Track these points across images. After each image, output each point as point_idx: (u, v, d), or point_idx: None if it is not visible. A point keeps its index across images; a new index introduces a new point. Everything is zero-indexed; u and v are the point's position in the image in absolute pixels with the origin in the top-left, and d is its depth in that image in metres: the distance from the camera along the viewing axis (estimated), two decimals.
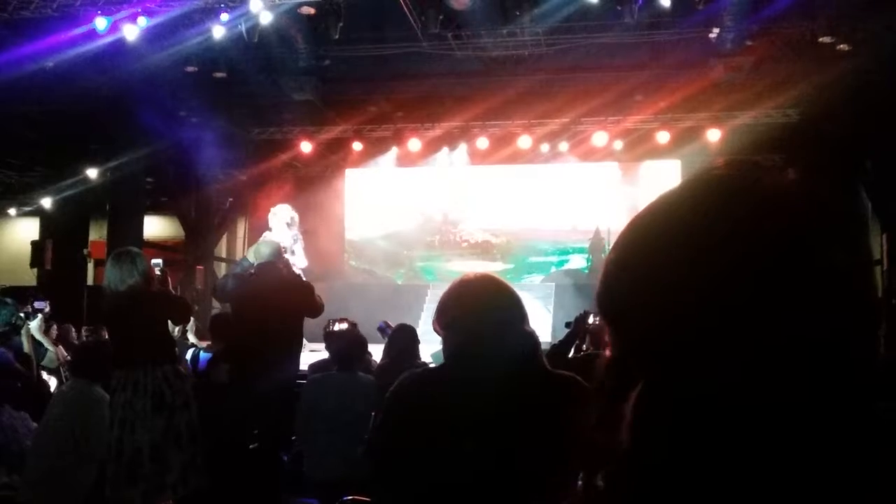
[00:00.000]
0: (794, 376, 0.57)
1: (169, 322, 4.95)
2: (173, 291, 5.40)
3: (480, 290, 2.01)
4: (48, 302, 6.03)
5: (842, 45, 8.60)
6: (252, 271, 5.47)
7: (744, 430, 0.57)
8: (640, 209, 0.66)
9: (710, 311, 0.58)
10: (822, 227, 0.60)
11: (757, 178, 0.62)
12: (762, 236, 0.58)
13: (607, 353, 0.68)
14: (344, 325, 6.52)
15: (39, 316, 5.95)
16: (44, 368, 6.58)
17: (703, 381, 0.59)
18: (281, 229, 7.38)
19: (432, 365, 4.69)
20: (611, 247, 0.67)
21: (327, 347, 6.40)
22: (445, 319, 2.01)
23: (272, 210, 7.56)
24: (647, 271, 0.61)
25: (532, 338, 2.03)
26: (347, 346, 4.99)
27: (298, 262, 7.58)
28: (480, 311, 1.96)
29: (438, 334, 2.06)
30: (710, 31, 8.96)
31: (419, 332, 5.46)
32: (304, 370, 5.93)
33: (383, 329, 6.28)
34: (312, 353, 7.53)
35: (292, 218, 7.63)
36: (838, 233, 0.60)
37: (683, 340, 0.59)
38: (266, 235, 7.47)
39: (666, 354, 0.60)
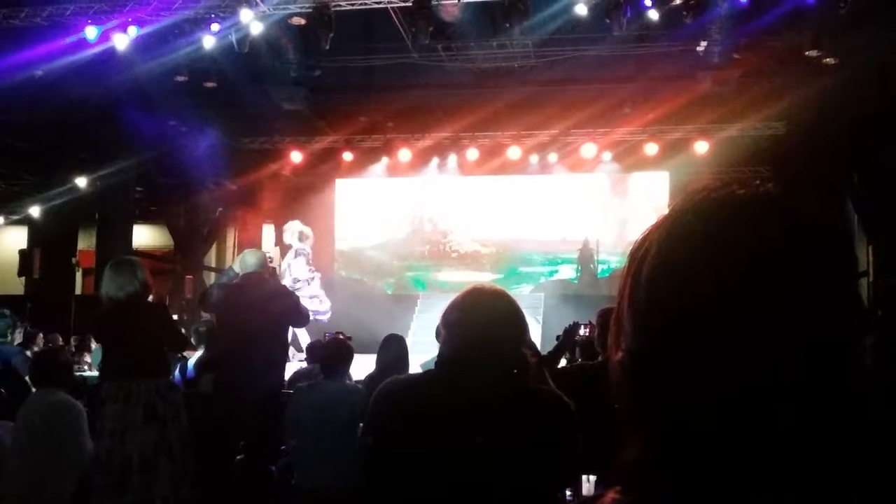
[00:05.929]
0: (816, 382, 0.61)
1: None
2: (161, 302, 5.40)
3: (489, 302, 2.05)
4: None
5: (828, 59, 8.70)
6: (237, 281, 5.46)
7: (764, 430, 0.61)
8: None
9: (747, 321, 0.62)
10: (839, 250, 0.66)
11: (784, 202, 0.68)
12: (793, 256, 0.64)
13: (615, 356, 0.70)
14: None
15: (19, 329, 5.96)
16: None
17: (737, 381, 0.62)
18: (294, 243, 8.20)
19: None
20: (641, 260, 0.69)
21: (307, 359, 6.44)
22: (448, 318, 2.05)
23: (286, 227, 8.36)
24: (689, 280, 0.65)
25: (523, 360, 2.08)
26: (333, 354, 4.97)
27: (297, 272, 8.07)
28: (483, 322, 1.99)
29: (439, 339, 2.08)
30: (698, 45, 9.04)
31: (409, 342, 5.46)
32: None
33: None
34: (301, 364, 7.51)
35: (301, 232, 8.44)
36: (848, 254, 0.67)
37: (717, 342, 0.63)
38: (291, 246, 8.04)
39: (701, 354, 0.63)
